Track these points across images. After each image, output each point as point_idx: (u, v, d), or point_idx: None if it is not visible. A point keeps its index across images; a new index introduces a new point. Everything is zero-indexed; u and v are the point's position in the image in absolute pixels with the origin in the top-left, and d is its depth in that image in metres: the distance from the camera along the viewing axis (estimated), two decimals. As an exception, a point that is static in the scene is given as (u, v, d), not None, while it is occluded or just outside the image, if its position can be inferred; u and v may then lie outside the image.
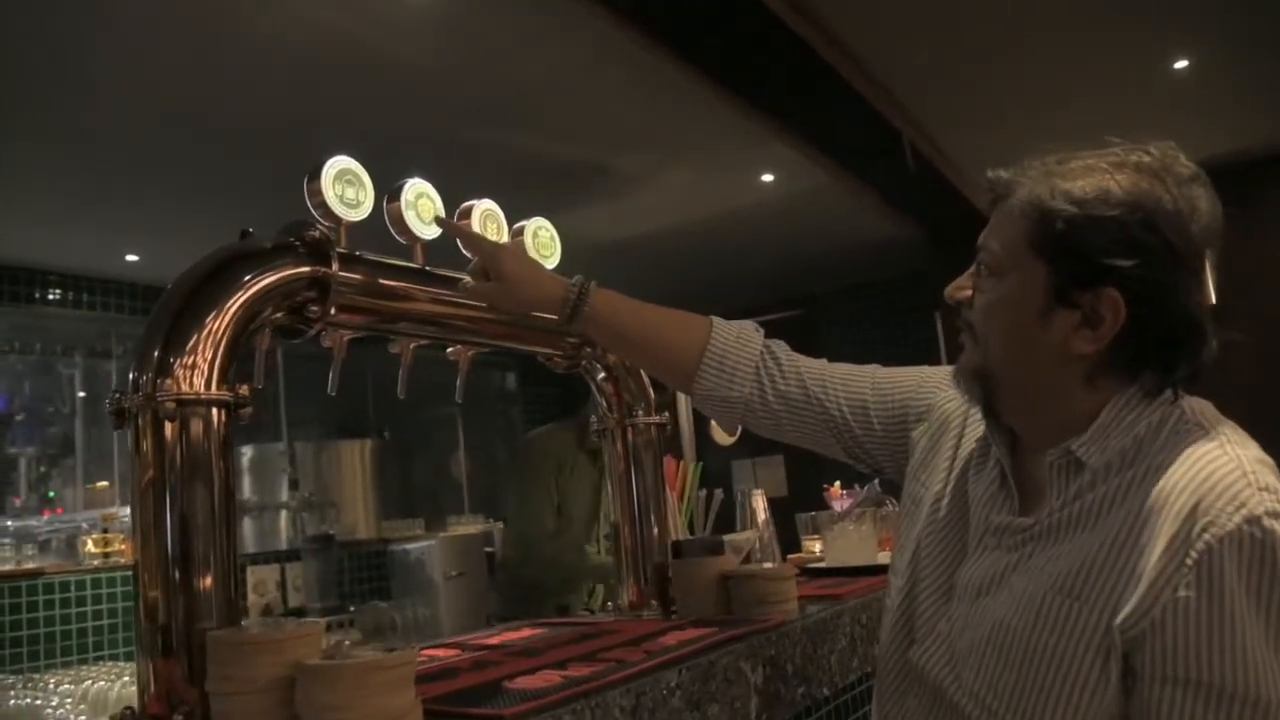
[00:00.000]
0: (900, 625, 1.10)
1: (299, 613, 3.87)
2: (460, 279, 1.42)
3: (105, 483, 3.92)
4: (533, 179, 3.68)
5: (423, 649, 1.44)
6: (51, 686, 2.89)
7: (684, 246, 4.63)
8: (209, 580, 1.03)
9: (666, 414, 1.85)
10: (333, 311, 1.19)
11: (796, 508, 2.88)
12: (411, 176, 1.49)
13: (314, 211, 1.28)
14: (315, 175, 1.26)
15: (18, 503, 4.46)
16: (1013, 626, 0.93)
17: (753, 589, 1.57)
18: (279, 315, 1.17)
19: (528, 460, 3.06)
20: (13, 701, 2.92)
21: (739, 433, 1.86)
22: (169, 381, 1.02)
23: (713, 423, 3.02)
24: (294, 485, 4.52)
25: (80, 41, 2.41)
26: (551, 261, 1.67)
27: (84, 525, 3.57)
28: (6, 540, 3.66)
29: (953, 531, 1.07)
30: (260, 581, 3.88)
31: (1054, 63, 3.42)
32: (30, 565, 3.21)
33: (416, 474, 6.09)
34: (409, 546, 4.41)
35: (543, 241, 1.65)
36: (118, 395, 1.05)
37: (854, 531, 2.12)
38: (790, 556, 2.75)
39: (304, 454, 5.07)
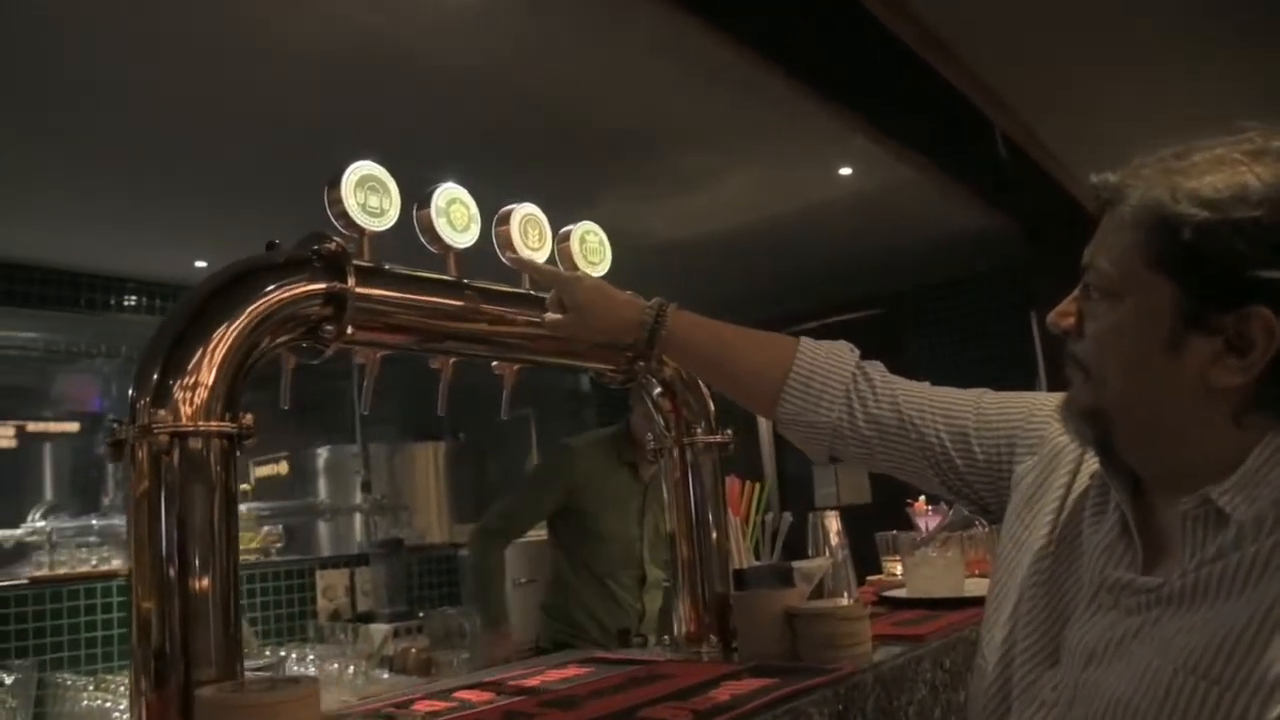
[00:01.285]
0: (996, 688, 0.94)
1: (367, 618, 3.84)
2: (499, 289, 1.33)
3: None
4: (587, 180, 3.56)
5: (459, 689, 1.34)
6: (122, 690, 2.92)
7: (755, 245, 4.45)
8: (208, 632, 0.94)
9: (729, 431, 1.72)
10: (350, 331, 1.09)
11: (881, 515, 2.71)
12: (462, 181, 1.40)
13: (335, 221, 1.18)
14: (335, 182, 1.16)
15: (106, 501, 4.57)
16: (1134, 707, 0.76)
17: (821, 630, 1.42)
18: (291, 336, 1.07)
19: (549, 467, 2.93)
20: (85, 703, 2.96)
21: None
22: (163, 412, 0.93)
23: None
24: (366, 488, 4.51)
25: (148, 50, 2.39)
26: (601, 268, 1.55)
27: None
28: (92, 538, 3.72)
29: (1061, 584, 0.91)
30: (329, 586, 3.87)
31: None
32: (106, 567, 3.25)
33: (490, 476, 6.06)
34: (479, 552, 4.35)
35: (591, 247, 1.53)
36: (115, 425, 0.97)
37: (938, 559, 1.94)
38: (870, 578, 2.58)
39: (377, 456, 5.07)
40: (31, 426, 5.23)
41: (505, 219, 1.40)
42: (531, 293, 1.39)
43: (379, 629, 3.66)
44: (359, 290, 1.08)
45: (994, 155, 3.90)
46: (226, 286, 1.01)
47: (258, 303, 1.01)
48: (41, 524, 3.60)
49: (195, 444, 0.95)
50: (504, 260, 1.40)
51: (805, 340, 1.20)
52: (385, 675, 3.33)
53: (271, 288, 1.03)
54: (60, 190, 3.12)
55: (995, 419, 1.09)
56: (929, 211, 4.28)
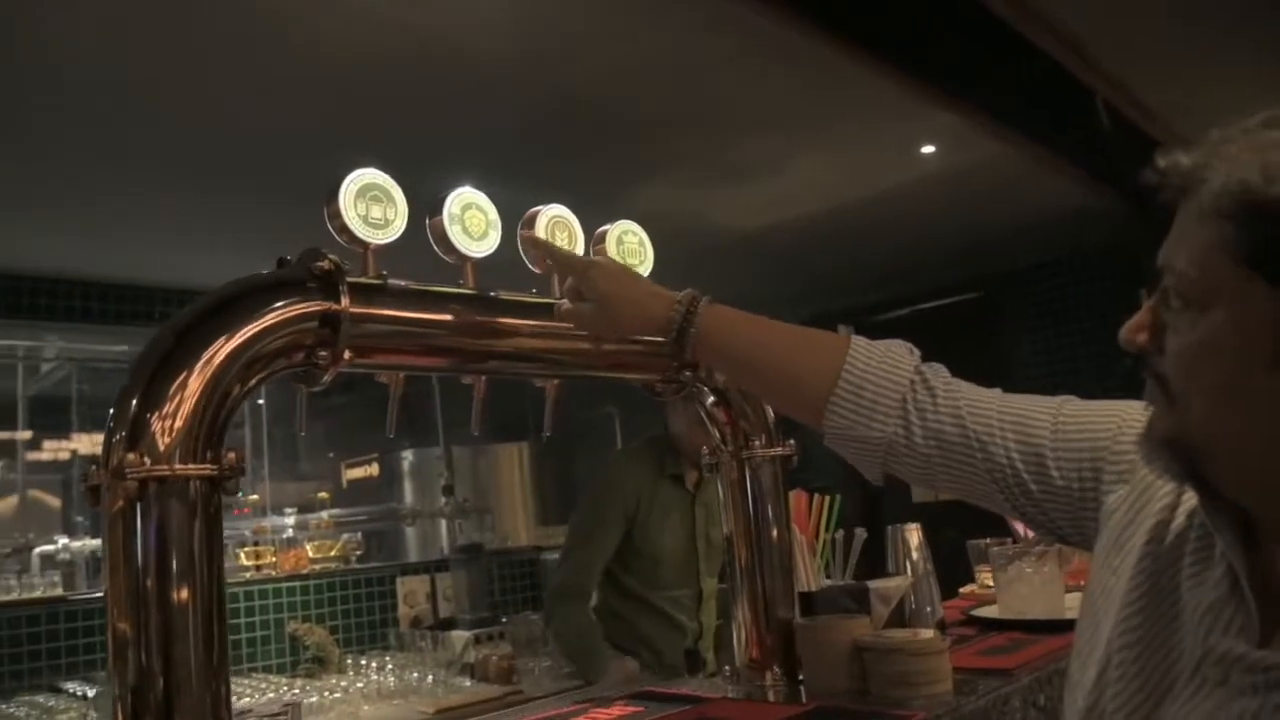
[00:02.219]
0: None
1: (449, 624, 3.81)
2: (522, 299, 1.22)
3: (255, 496, 4.03)
4: (637, 173, 3.41)
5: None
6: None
7: (831, 232, 4.23)
8: (190, 695, 0.86)
9: (792, 442, 1.58)
10: (347, 355, 0.99)
11: (975, 518, 2.51)
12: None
13: (336, 236, 1.09)
14: (333, 194, 1.07)
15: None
16: None
17: (893, 666, 1.28)
18: (283, 365, 0.98)
19: (597, 495, 2.61)
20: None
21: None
22: (134, 455, 0.86)
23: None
24: (448, 491, 4.49)
25: (207, 61, 2.38)
26: (643, 271, 1.43)
27: (247, 533, 3.65)
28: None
29: (1156, 650, 0.74)
30: (410, 592, 3.86)
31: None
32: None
33: (575, 476, 6.00)
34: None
35: (630, 248, 1.41)
36: (93, 468, 0.90)
37: (1033, 575, 1.76)
38: (962, 590, 2.40)
39: (461, 458, 5.06)
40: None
41: (530, 222, 1.29)
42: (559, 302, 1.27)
43: (460, 636, 3.62)
44: (354, 310, 0.99)
45: (1095, 126, 3.62)
46: (208, 313, 0.93)
47: (243, 330, 0.93)
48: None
49: (171, 489, 0.87)
50: (529, 263, 1.29)
51: (857, 341, 1.04)
52: (467, 683, 3.28)
53: (259, 313, 0.94)
54: (130, 205, 3.16)
55: (1076, 436, 0.92)
56: (1023, 189, 4.01)
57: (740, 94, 2.92)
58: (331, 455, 5.97)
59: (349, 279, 1.00)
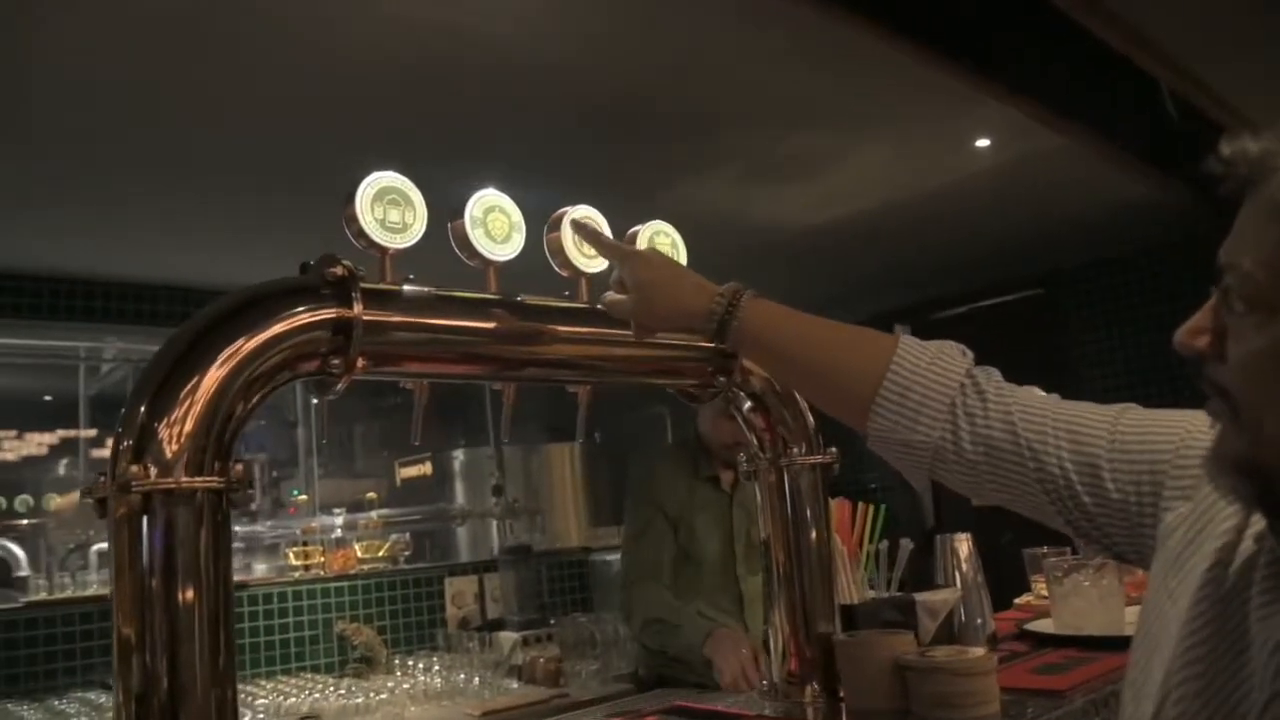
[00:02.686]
0: None
1: (497, 625, 3.80)
2: (546, 304, 1.19)
3: (304, 496, 4.06)
4: (678, 168, 3.34)
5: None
6: (243, 698, 2.97)
7: (883, 229, 4.11)
8: (194, 701, 0.84)
9: (834, 450, 1.52)
10: (361, 363, 0.97)
11: (1037, 524, 2.41)
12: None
13: (354, 241, 1.07)
14: (350, 198, 1.05)
15: (254, 507, 4.76)
16: None
17: (936, 686, 1.22)
18: (293, 374, 0.96)
19: (638, 498, 2.61)
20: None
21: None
22: (139, 467, 0.84)
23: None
24: (498, 491, 4.49)
25: (237, 60, 2.39)
26: (676, 273, 1.39)
27: (298, 532, 3.69)
28: (237, 544, 3.84)
29: (1221, 687, 0.68)
30: (459, 593, 3.86)
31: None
32: (236, 578, 3.32)
33: (627, 477, 5.97)
34: (610, 557, 4.26)
35: (662, 248, 1.37)
36: (100, 479, 0.88)
37: (1090, 589, 1.68)
38: (1017, 601, 2.31)
39: (513, 458, 5.06)
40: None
41: (557, 224, 1.26)
42: (599, 307, 1.23)
43: (508, 637, 3.62)
44: (368, 317, 0.96)
45: (1160, 115, 3.47)
46: (219, 320, 0.91)
47: (254, 338, 0.91)
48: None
49: (177, 502, 0.85)
50: (557, 267, 1.26)
51: (906, 340, 0.99)
52: (514, 685, 3.27)
53: (270, 320, 0.92)
54: (185, 211, 3.21)
55: (1135, 448, 0.86)
56: (1084, 182, 3.87)
57: (788, 87, 2.85)
58: (386, 454, 6.02)
59: (363, 284, 0.98)
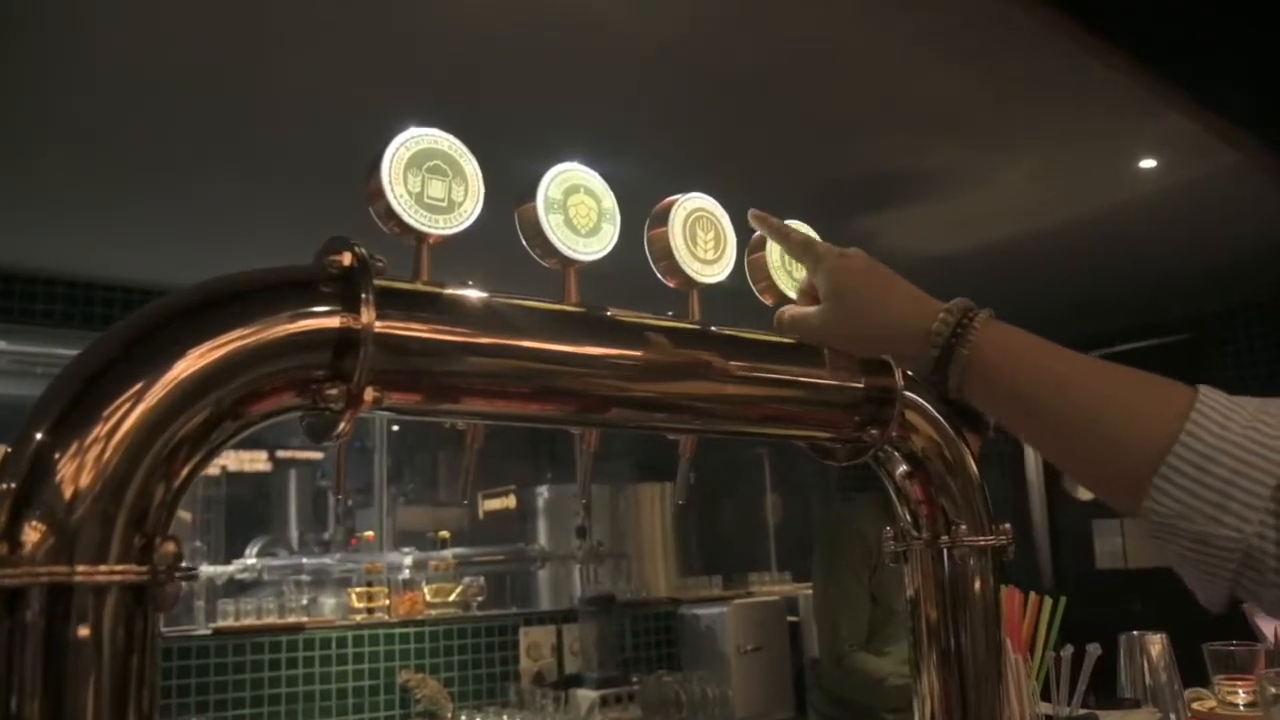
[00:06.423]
0: None
1: (574, 681, 3.49)
2: (651, 322, 0.87)
3: (370, 533, 3.83)
4: (801, 183, 3.02)
5: None
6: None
7: (1017, 261, 3.69)
8: None
9: (1008, 526, 1.16)
10: (369, 396, 0.66)
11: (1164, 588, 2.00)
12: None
13: (381, 224, 0.77)
14: (374, 165, 0.75)
15: (325, 536, 4.57)
16: None
17: None
18: (272, 404, 0.65)
19: (833, 545, 2.66)
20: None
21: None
22: (4, 545, 0.54)
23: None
24: (581, 533, 4.18)
25: (289, 43, 2.19)
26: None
27: (364, 570, 3.45)
28: (303, 577, 3.60)
29: None
30: (534, 644, 3.55)
31: None
32: (291, 618, 3.10)
33: (721, 525, 5.60)
34: (699, 611, 3.89)
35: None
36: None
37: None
38: (1194, 707, 1.89)
39: (600, 497, 4.74)
40: (281, 453, 5.43)
41: (662, 216, 0.94)
42: (713, 330, 0.91)
43: (586, 695, 3.31)
44: (381, 329, 0.66)
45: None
46: (151, 331, 0.61)
47: (208, 354, 0.61)
48: (253, 561, 3.55)
49: (72, 600, 0.55)
50: (660, 274, 0.95)
51: (1209, 393, 0.72)
52: (590, 752, 2.95)
53: (237, 329, 0.62)
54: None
55: None
56: (1255, 210, 3.40)
57: (920, 91, 2.50)
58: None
59: (379, 282, 0.67)
